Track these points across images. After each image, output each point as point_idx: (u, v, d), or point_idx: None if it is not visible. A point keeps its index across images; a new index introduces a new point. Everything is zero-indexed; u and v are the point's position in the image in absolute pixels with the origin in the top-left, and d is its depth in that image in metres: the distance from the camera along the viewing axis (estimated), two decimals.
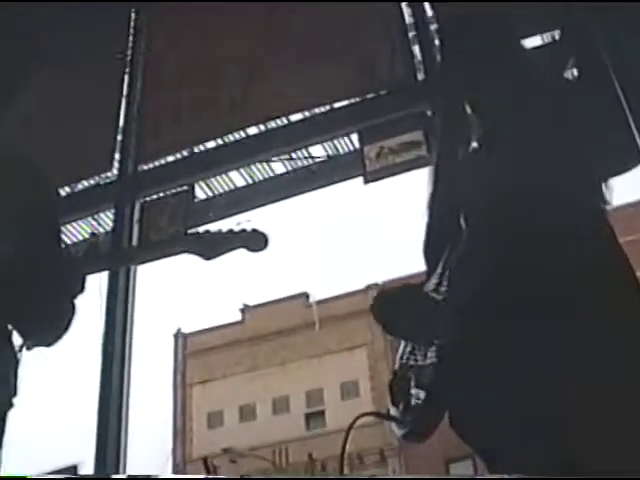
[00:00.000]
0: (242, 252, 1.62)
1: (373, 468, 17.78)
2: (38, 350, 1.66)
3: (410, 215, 2.34)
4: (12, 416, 1.61)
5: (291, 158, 3.70)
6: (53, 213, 1.77)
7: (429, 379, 1.56)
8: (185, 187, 3.64)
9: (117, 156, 3.84)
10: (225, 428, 20.63)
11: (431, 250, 1.79)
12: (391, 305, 1.66)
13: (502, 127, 1.70)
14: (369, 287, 19.07)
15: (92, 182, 3.91)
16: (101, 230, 3.90)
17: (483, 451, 1.58)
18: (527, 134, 1.62)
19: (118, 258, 2.14)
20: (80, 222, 3.93)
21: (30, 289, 1.55)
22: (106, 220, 3.88)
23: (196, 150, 3.80)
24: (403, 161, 3.22)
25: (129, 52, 4.08)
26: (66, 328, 1.64)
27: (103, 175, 3.86)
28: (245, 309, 22.19)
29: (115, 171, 3.83)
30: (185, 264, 1.74)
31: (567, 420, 1.38)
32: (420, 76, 3.30)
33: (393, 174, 3.28)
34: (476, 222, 1.64)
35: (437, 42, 3.00)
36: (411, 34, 3.41)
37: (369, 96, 3.40)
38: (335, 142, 3.60)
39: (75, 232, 3.95)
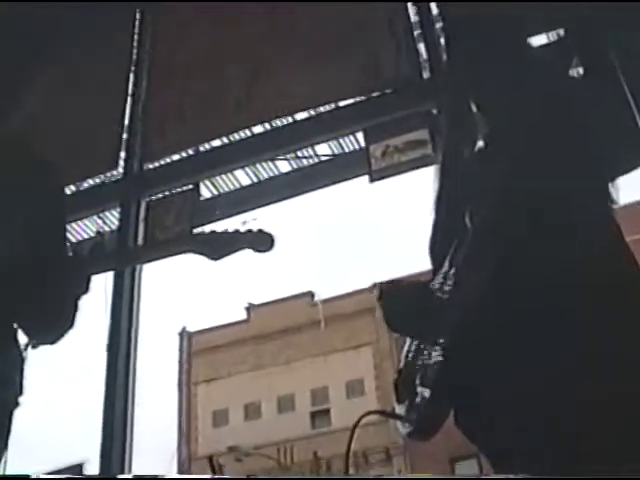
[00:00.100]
0: (248, 251, 1.62)
1: (378, 467, 17.77)
2: (44, 349, 1.67)
3: (416, 213, 2.34)
4: (18, 415, 1.61)
5: (296, 157, 3.70)
6: (59, 212, 1.77)
7: (434, 377, 1.55)
8: (191, 186, 3.64)
9: (123, 155, 3.85)
10: (230, 426, 20.64)
11: (437, 248, 1.78)
12: (397, 301, 1.66)
13: (508, 126, 1.69)
14: (374, 285, 19.05)
15: (98, 181, 3.92)
16: (107, 229, 3.91)
17: (488, 450, 1.58)
18: (533, 132, 1.61)
19: (124, 257, 2.14)
20: (86, 221, 3.94)
21: (36, 287, 1.56)
22: (112, 219, 3.89)
23: (201, 149, 3.80)
24: (409, 160, 3.22)
25: (135, 51, 4.08)
26: (70, 326, 1.64)
27: (109, 174, 3.87)
28: (250, 308, 22.21)
29: (121, 170, 3.84)
30: (190, 262, 1.74)
31: (574, 419, 1.38)
32: (425, 74, 3.30)
33: (399, 173, 3.28)
34: (481, 220, 1.64)
35: (442, 40, 2.99)
36: (416, 32, 3.41)
37: (375, 95, 3.41)
38: (341, 141, 3.60)
39: (81, 231, 3.96)
